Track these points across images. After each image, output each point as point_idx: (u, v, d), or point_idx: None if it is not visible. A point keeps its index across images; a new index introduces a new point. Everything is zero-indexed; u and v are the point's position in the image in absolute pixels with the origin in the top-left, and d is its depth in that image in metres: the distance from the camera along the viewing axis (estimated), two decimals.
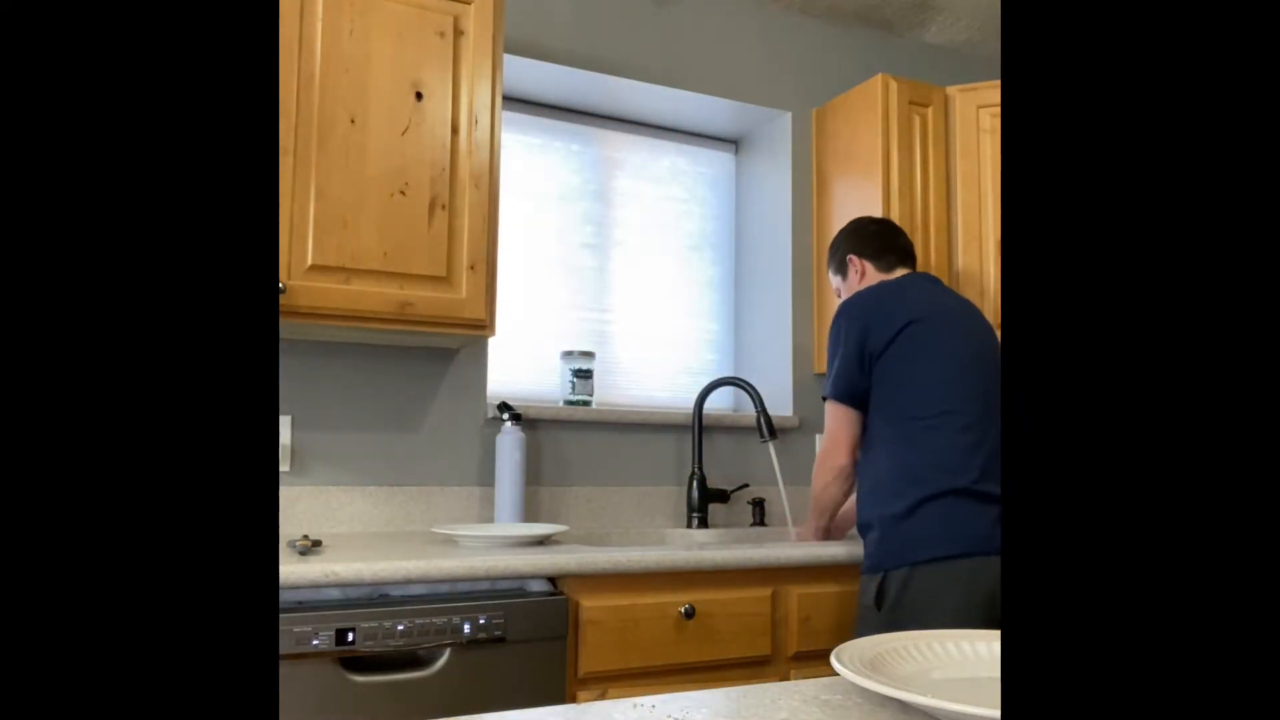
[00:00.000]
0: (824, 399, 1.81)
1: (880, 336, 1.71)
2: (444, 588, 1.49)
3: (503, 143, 2.39)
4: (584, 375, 2.29)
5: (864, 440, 1.76)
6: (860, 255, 1.92)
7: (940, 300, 1.77)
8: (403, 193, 1.75)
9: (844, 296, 1.98)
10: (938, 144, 2.34)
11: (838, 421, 1.77)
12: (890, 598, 1.61)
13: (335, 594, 1.42)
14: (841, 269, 1.96)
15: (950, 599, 1.56)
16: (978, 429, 1.66)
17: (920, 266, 2.27)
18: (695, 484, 2.27)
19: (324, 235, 1.68)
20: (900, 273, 1.89)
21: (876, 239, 1.92)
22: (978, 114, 2.33)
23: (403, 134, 1.76)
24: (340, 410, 1.99)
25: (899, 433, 1.68)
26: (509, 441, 1.99)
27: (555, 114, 2.49)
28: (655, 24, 2.42)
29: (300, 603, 1.38)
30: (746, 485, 2.38)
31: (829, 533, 1.94)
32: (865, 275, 1.92)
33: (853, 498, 1.98)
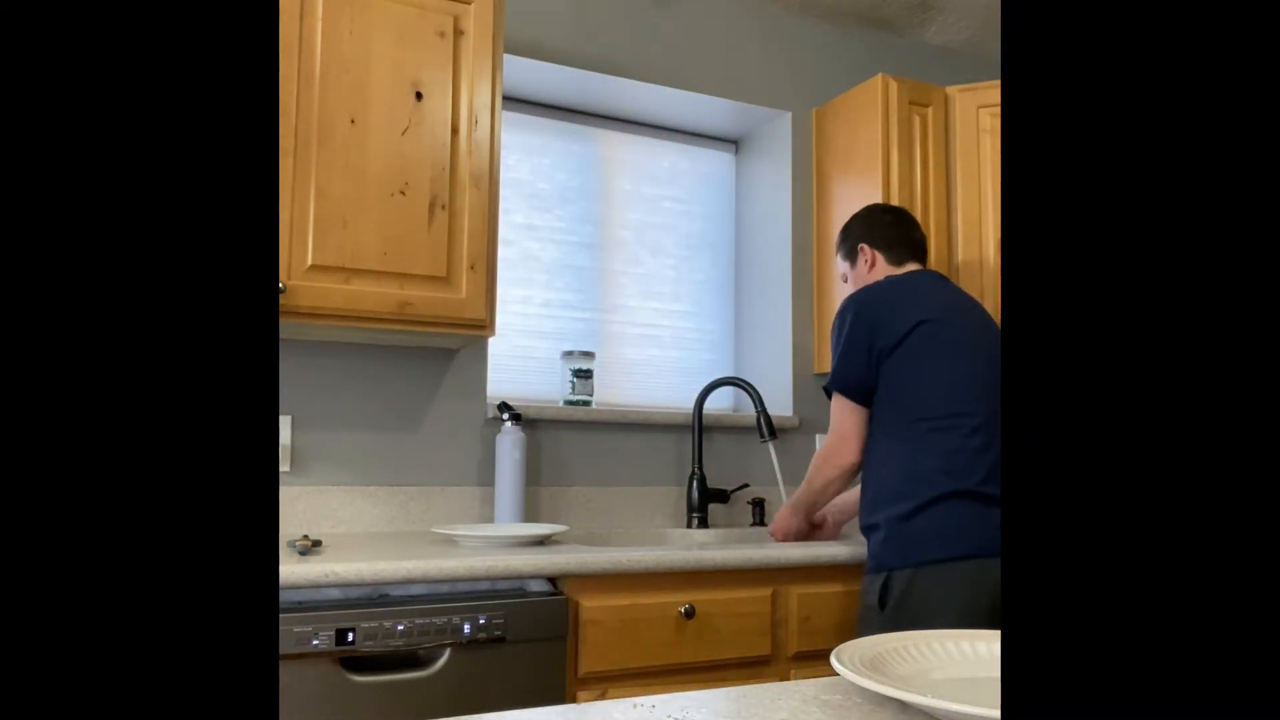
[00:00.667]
0: (825, 391, 1.78)
1: (890, 334, 1.69)
2: (444, 588, 1.49)
3: (502, 143, 2.39)
4: (584, 375, 2.29)
5: (869, 440, 1.75)
6: (872, 245, 1.88)
7: (950, 300, 1.75)
8: (403, 193, 1.75)
9: (850, 283, 1.94)
10: (938, 144, 2.34)
11: (847, 418, 1.74)
12: (894, 598, 1.60)
13: (335, 594, 1.42)
14: (851, 256, 1.92)
15: (955, 601, 1.55)
16: (986, 431, 1.65)
17: None
18: (695, 484, 2.27)
19: (324, 235, 1.68)
20: (911, 268, 1.86)
21: (890, 229, 1.88)
22: (978, 114, 2.33)
23: (403, 134, 1.76)
24: (340, 410, 1.99)
25: (907, 434, 1.66)
26: (509, 441, 1.99)
27: (555, 114, 2.49)
28: (655, 24, 2.42)
29: (300, 603, 1.38)
30: (746, 485, 2.38)
31: (813, 530, 1.92)
32: (875, 266, 1.88)
33: (854, 495, 1.97)
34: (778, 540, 1.91)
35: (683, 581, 1.66)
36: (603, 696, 1.58)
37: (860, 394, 1.72)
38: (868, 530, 1.71)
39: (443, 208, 1.79)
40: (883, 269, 1.87)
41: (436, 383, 2.09)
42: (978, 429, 1.64)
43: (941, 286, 1.78)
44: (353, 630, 1.37)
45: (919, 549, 1.59)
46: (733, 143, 2.77)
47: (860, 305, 1.73)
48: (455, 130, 1.81)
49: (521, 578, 1.54)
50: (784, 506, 1.91)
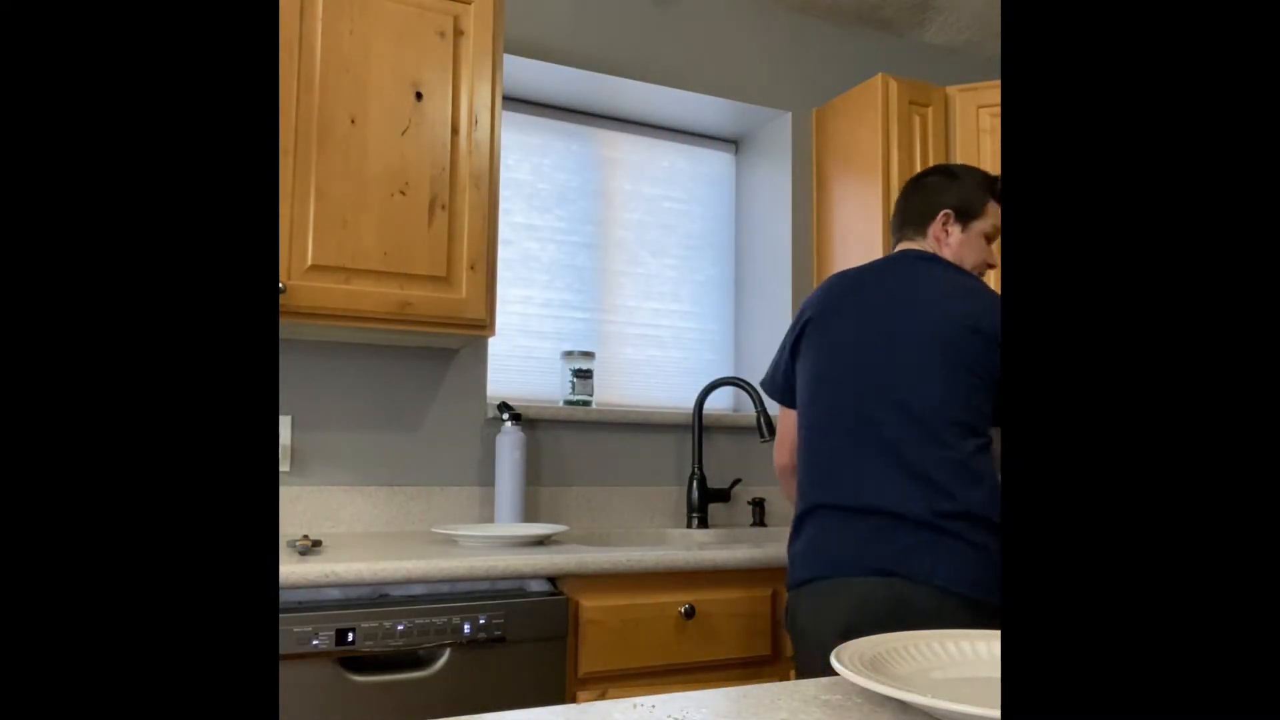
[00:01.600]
0: None
1: (792, 334, 1.61)
2: (444, 588, 1.49)
3: (503, 143, 2.39)
4: (584, 375, 2.29)
5: None
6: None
7: (863, 289, 1.53)
8: (403, 193, 1.75)
9: None
10: (938, 144, 2.34)
11: (780, 418, 1.67)
12: (787, 620, 1.50)
13: (335, 594, 1.42)
14: None
15: (818, 623, 1.40)
16: (860, 434, 1.44)
17: None
18: (695, 484, 2.27)
19: (324, 235, 1.68)
20: (898, 249, 1.64)
21: (894, 217, 1.69)
22: (978, 114, 2.33)
23: (403, 134, 1.76)
24: (340, 410, 1.99)
25: (800, 439, 1.55)
26: (509, 441, 1.99)
27: (555, 114, 2.49)
28: (655, 24, 2.42)
29: (300, 603, 1.38)
30: (739, 480, 2.37)
31: None
32: None
33: None
34: None
35: (683, 581, 1.66)
36: (603, 696, 1.58)
37: (779, 393, 1.64)
38: None
39: (443, 208, 1.79)
40: None
41: (436, 383, 2.09)
42: (849, 430, 1.45)
43: (878, 274, 1.55)
44: (353, 630, 1.37)
45: (794, 569, 1.48)
46: (733, 143, 2.77)
47: (804, 302, 1.63)
48: (455, 130, 1.81)
49: (521, 578, 1.54)
50: None
